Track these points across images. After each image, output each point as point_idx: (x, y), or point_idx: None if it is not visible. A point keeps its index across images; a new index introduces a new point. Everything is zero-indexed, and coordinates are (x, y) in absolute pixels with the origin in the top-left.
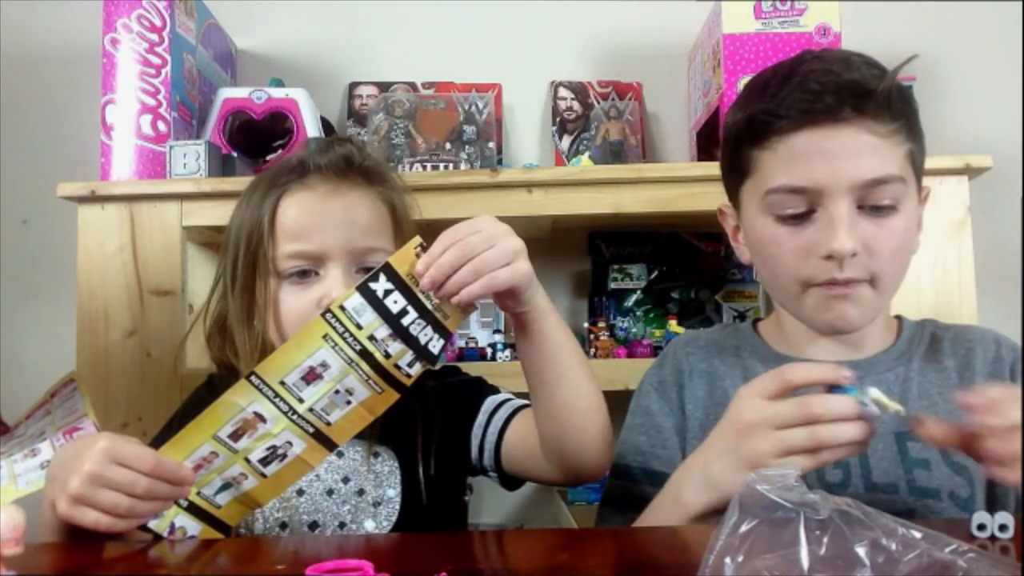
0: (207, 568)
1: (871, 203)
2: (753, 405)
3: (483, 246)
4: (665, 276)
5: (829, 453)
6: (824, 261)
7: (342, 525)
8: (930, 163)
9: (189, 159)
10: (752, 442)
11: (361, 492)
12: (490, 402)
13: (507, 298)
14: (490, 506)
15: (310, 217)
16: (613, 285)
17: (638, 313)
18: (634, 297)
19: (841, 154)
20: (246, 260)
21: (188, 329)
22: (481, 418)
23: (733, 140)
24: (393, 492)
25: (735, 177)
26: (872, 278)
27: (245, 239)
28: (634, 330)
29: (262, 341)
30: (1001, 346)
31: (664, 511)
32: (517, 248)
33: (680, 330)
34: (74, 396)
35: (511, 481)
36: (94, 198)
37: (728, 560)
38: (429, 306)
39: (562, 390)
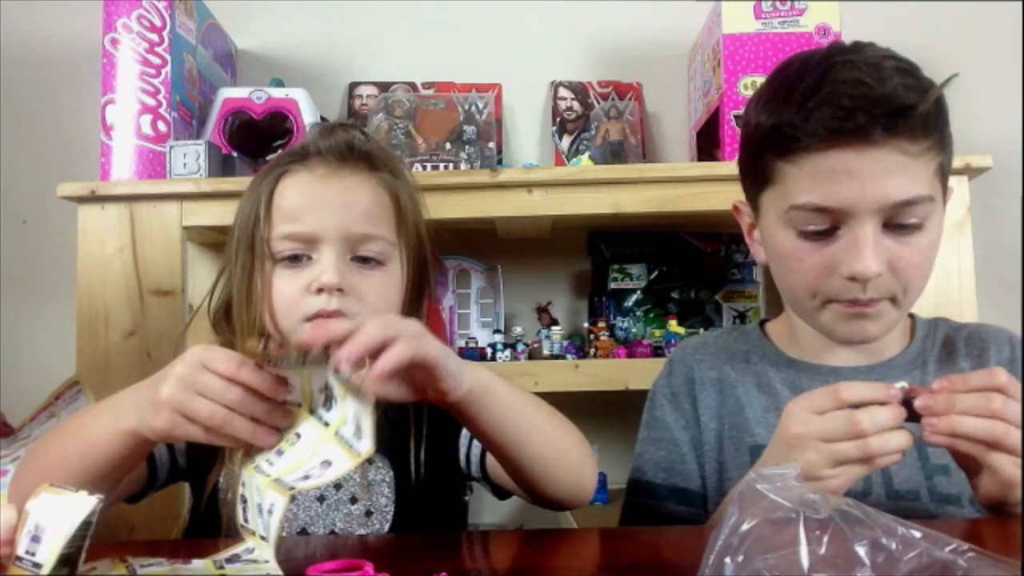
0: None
1: (897, 222)
2: (802, 419)
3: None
4: (665, 276)
5: (882, 459)
6: (847, 280)
7: (333, 533)
8: None
9: (189, 159)
10: (803, 454)
11: (354, 500)
12: None
13: (432, 381)
14: (490, 506)
15: (305, 198)
16: (613, 285)
17: (638, 313)
18: (634, 297)
19: (870, 175)
20: (245, 242)
21: (188, 321)
22: (465, 435)
23: (755, 145)
24: (385, 500)
25: (756, 182)
26: (895, 295)
27: (244, 221)
28: (634, 330)
29: (259, 326)
30: (1015, 347)
31: None
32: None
33: (680, 330)
34: (79, 398)
35: (501, 491)
36: (94, 198)
37: (728, 560)
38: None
39: (525, 452)
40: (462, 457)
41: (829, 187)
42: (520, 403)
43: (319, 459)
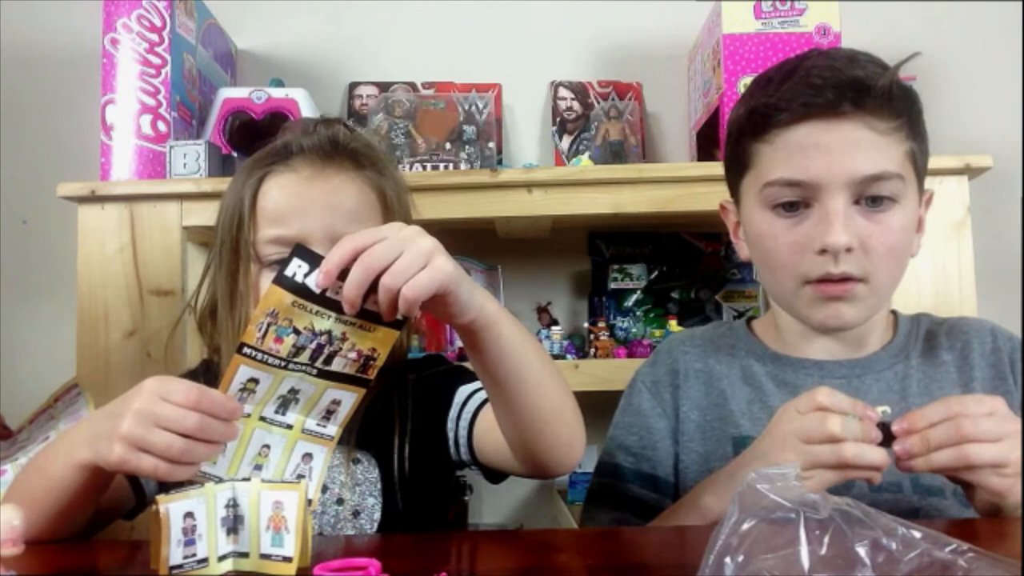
0: None
1: (868, 197)
2: (789, 416)
3: (390, 255)
4: (665, 276)
5: (854, 471)
6: (819, 256)
7: (320, 535)
8: (930, 163)
9: (189, 159)
10: (783, 452)
11: (340, 501)
12: (461, 393)
13: (441, 307)
14: (490, 506)
15: (291, 200)
16: (613, 285)
17: (638, 313)
18: (634, 297)
19: (839, 149)
20: (229, 244)
21: (176, 321)
22: (453, 411)
23: (735, 134)
24: (373, 500)
25: (736, 171)
26: (867, 276)
27: (227, 223)
28: (634, 330)
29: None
30: (997, 336)
31: (686, 516)
32: (429, 247)
33: (680, 330)
34: (78, 401)
35: (493, 474)
36: (94, 198)
37: (728, 560)
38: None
39: (523, 397)
40: (451, 441)
41: (800, 161)
42: (525, 347)
43: (299, 454)
